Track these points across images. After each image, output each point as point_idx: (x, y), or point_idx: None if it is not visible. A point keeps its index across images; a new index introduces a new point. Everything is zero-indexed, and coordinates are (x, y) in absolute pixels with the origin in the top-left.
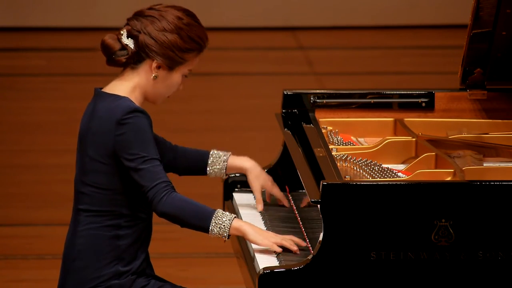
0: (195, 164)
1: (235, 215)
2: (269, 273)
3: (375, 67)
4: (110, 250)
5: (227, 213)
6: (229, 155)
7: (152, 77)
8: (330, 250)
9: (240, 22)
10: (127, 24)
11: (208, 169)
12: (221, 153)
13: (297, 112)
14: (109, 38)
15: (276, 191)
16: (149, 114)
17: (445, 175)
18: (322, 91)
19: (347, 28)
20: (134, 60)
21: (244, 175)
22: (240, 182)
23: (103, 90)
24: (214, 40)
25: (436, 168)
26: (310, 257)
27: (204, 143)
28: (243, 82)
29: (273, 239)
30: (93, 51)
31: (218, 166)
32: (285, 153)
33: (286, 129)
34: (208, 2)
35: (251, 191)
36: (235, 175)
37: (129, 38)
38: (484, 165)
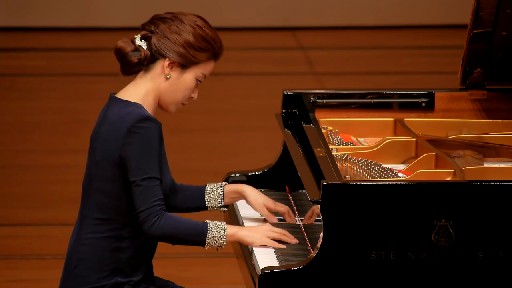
0: (194, 200)
1: (225, 223)
2: (269, 273)
3: (375, 67)
4: (110, 262)
5: (217, 222)
6: (224, 184)
7: (165, 76)
8: (330, 250)
9: (240, 22)
10: (143, 29)
11: (206, 199)
12: (215, 185)
13: (297, 112)
14: (121, 42)
15: (280, 208)
16: (160, 122)
17: (445, 175)
18: (322, 91)
19: (347, 28)
20: (147, 61)
21: (244, 175)
22: (240, 182)
23: (116, 95)
24: None
25: (436, 168)
26: (310, 257)
27: (204, 143)
28: (243, 82)
29: (269, 234)
30: (93, 51)
31: (214, 194)
32: (285, 153)
33: (286, 129)
34: (208, 2)
35: None
36: (235, 175)
37: (143, 40)
38: (484, 165)
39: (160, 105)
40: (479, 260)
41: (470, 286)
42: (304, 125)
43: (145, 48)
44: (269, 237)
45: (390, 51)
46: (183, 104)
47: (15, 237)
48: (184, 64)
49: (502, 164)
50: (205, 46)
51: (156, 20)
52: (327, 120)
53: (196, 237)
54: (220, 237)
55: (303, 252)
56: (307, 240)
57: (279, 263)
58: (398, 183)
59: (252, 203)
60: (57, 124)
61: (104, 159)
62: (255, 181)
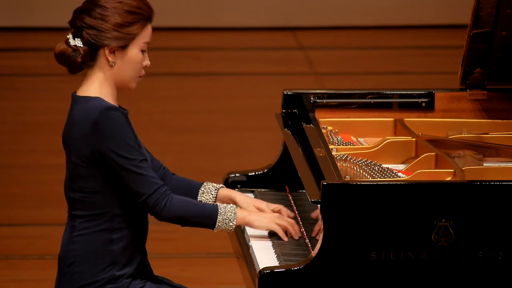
0: (186, 193)
1: (235, 206)
2: (269, 273)
3: (375, 67)
4: (105, 255)
5: (228, 206)
6: (221, 186)
7: (110, 64)
8: (330, 250)
9: (240, 22)
10: (71, 26)
11: (198, 198)
12: (213, 184)
13: (297, 112)
14: (59, 46)
15: (273, 207)
16: (126, 110)
17: (445, 175)
18: (322, 91)
19: (347, 28)
20: (89, 56)
21: (244, 175)
22: (240, 182)
23: (76, 94)
24: (214, 40)
25: (436, 168)
26: (310, 257)
27: (204, 143)
28: (243, 82)
29: (277, 221)
30: None
31: (207, 194)
32: (285, 153)
33: (286, 129)
34: (208, 3)
35: (251, 191)
36: (235, 175)
37: (76, 38)
38: (484, 165)
39: (119, 87)
40: (479, 260)
41: (470, 286)
42: (304, 125)
43: (81, 45)
44: (276, 223)
45: (390, 51)
46: (140, 76)
47: (15, 237)
48: (123, 45)
49: (502, 164)
50: (134, 18)
51: (78, 14)
52: (327, 120)
53: (207, 219)
54: (230, 220)
55: (303, 252)
56: (307, 240)
57: (279, 263)
58: (398, 183)
59: (244, 207)
60: (57, 124)
61: (79, 158)
62: (255, 181)
